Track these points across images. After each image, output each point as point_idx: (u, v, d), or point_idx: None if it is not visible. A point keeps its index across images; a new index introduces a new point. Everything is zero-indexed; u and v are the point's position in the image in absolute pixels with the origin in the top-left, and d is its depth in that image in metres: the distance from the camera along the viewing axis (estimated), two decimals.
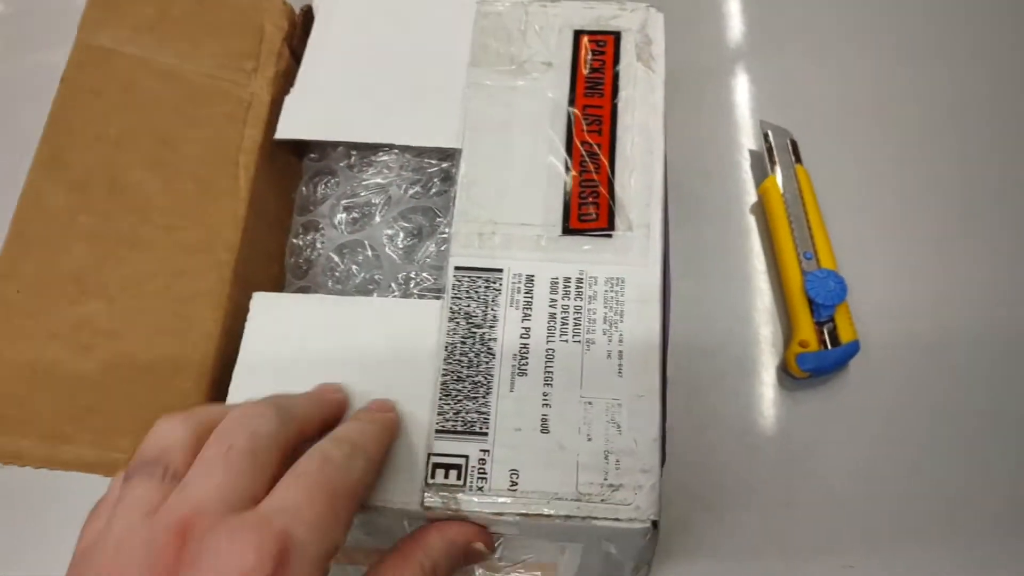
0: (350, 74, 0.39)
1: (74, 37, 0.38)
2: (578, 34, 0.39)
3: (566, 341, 0.33)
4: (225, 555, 0.22)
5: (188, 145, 0.37)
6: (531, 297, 0.34)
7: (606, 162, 0.36)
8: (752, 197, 0.53)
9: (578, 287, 0.34)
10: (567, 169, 0.36)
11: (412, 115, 0.38)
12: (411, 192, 0.39)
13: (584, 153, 0.36)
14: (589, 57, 0.39)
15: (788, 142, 0.52)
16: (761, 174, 0.53)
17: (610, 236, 0.34)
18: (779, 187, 0.50)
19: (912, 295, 0.50)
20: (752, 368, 0.48)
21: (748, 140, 0.56)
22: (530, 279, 0.34)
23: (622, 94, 0.38)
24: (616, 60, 0.38)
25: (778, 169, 0.51)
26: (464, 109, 0.37)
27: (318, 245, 0.39)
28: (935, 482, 0.45)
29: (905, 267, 0.51)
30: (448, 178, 0.39)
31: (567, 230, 0.35)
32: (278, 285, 0.38)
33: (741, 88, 0.58)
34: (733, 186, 0.54)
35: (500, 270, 0.34)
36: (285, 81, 0.40)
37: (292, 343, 0.33)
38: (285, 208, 0.40)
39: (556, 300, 0.33)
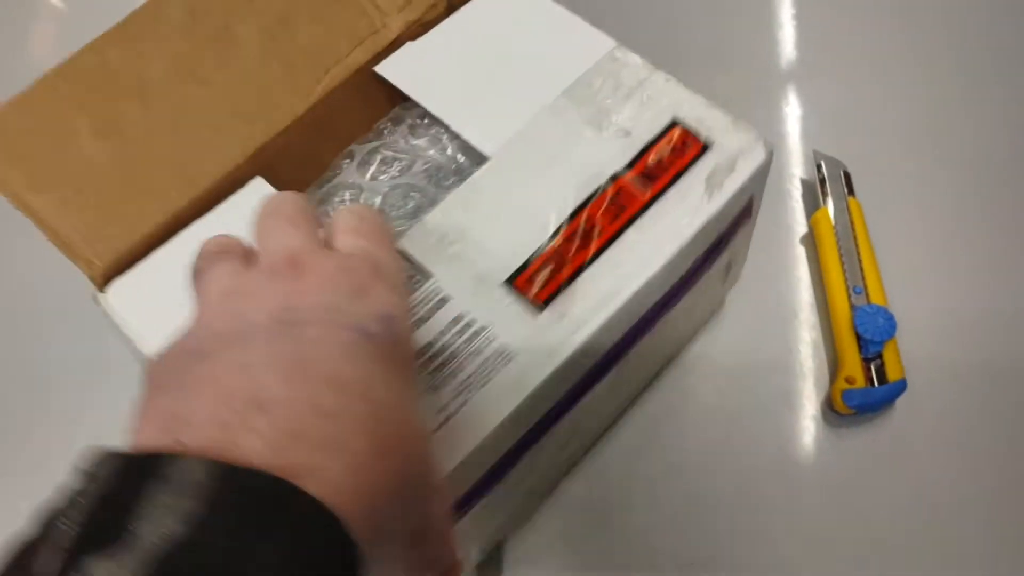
0: (467, 54, 0.40)
1: None
2: (673, 123, 0.37)
3: (422, 372, 0.32)
4: (333, 270, 0.25)
5: (300, 33, 0.41)
6: (429, 317, 0.33)
7: (593, 250, 0.34)
8: (802, 227, 0.53)
9: (472, 336, 0.32)
10: (556, 232, 0.34)
11: (484, 111, 0.38)
12: (430, 173, 0.40)
13: (582, 228, 0.34)
14: (666, 150, 0.36)
15: (841, 173, 0.52)
16: (812, 204, 0.53)
17: (539, 311, 0.33)
18: (831, 219, 0.50)
19: (962, 333, 0.49)
20: (796, 401, 0.48)
21: (800, 169, 0.55)
22: (442, 301, 0.33)
23: (662, 202, 0.35)
24: (685, 169, 0.36)
25: (830, 201, 0.51)
26: (526, 125, 0.37)
27: (342, 171, 0.41)
28: (980, 524, 0.44)
29: (956, 304, 0.50)
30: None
31: (509, 281, 0.33)
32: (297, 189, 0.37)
33: (794, 115, 0.57)
34: (783, 215, 0.54)
35: (430, 276, 0.34)
36: (421, 28, 0.41)
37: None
38: (348, 133, 0.42)
39: (444, 333, 0.33)
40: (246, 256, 0.27)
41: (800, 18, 0.61)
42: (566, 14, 0.41)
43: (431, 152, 0.41)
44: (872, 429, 0.47)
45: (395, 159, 0.41)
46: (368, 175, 0.41)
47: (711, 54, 0.59)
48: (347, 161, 0.42)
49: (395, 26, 0.41)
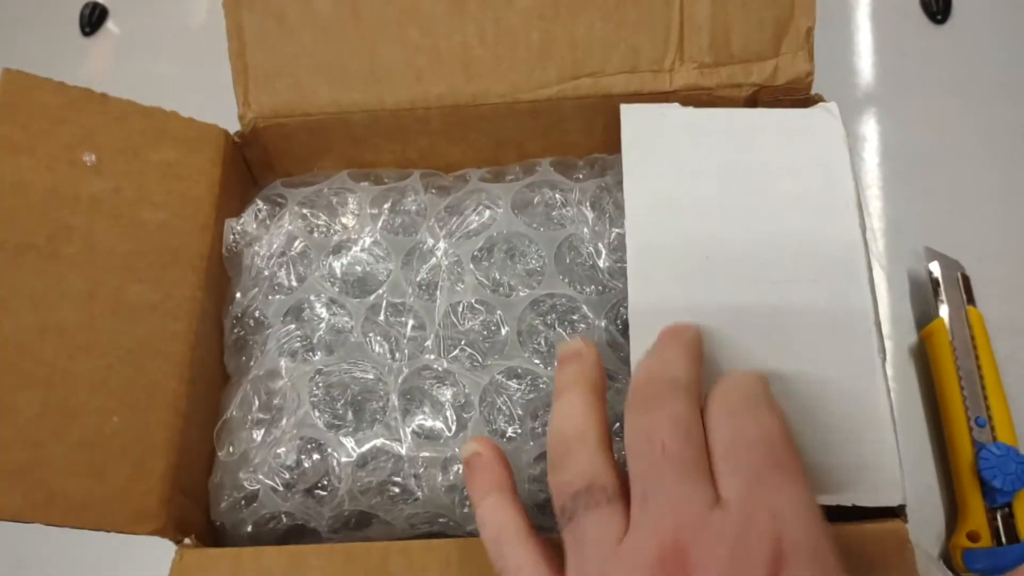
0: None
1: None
2: None
3: None
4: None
5: (582, 22, 0.39)
6: None
7: None
8: (912, 336, 0.47)
9: None
10: None
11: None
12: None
13: None
14: None
15: (959, 276, 0.45)
16: (925, 312, 0.47)
17: None
18: (947, 331, 0.44)
19: None
20: None
21: (910, 268, 0.49)
22: None
23: None
24: None
25: (945, 309, 0.44)
26: None
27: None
28: None
29: None
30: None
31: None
32: None
33: (905, 206, 0.51)
34: (891, 321, 0.48)
35: None
36: (694, 95, 0.39)
37: None
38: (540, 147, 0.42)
39: None
40: (616, 496, 0.25)
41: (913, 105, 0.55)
42: None
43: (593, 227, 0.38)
44: None
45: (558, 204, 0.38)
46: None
47: None
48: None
49: (680, 79, 0.38)
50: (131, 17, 0.61)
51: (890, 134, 0.53)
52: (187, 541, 0.33)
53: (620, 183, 0.36)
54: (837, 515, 0.32)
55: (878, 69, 0.56)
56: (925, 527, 0.42)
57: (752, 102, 0.40)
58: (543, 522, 0.34)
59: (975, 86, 0.54)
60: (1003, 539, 0.39)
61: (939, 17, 0.55)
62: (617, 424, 0.34)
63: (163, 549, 0.33)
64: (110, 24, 0.60)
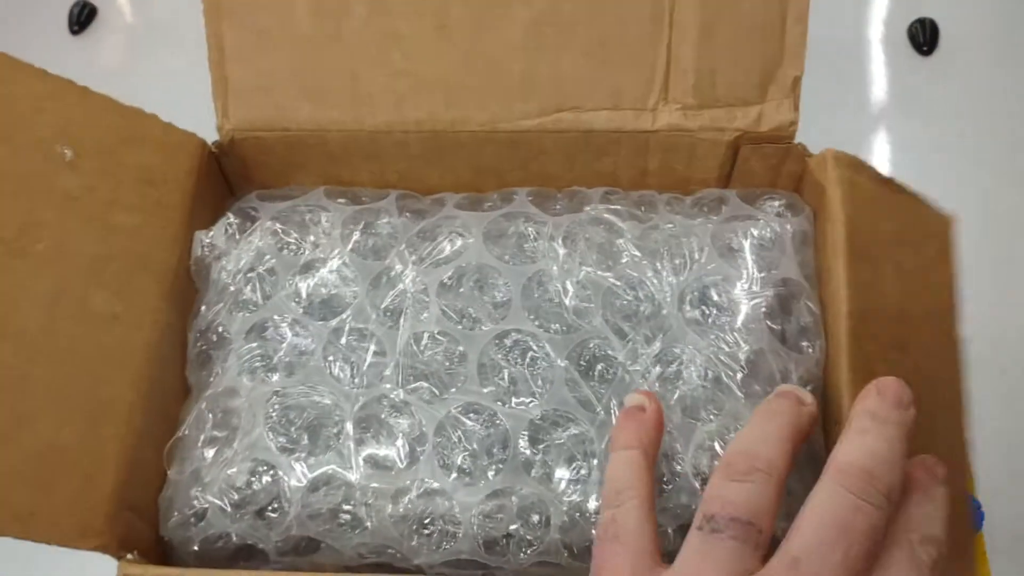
0: None
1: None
2: None
3: None
4: None
5: (568, 52, 0.39)
6: None
7: None
8: None
9: None
10: None
11: None
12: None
13: None
14: None
15: None
16: None
17: None
18: None
19: None
20: None
21: None
22: None
23: None
24: None
25: None
26: None
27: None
28: None
29: None
30: None
31: None
32: None
33: None
34: None
35: None
36: (673, 137, 0.39)
37: None
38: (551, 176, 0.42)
39: None
40: (761, 544, 0.26)
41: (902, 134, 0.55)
42: None
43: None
44: None
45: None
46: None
47: None
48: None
49: (662, 119, 0.38)
50: (119, 17, 0.60)
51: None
52: (129, 556, 0.33)
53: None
54: None
55: (864, 100, 0.56)
56: None
57: (734, 148, 0.39)
58: (490, 560, 0.34)
59: (963, 116, 0.54)
60: None
61: (925, 48, 0.55)
62: (575, 467, 0.34)
63: (108, 562, 0.33)
64: (99, 23, 0.60)
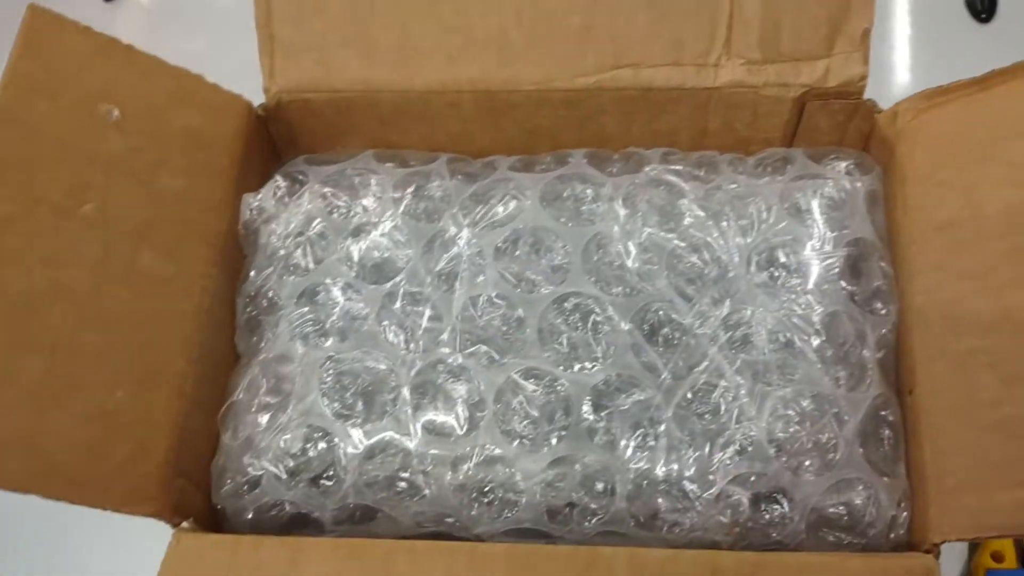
0: None
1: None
2: None
3: None
4: None
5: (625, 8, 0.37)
6: None
7: None
8: None
9: None
10: None
11: None
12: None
13: None
14: None
15: None
16: None
17: None
18: None
19: None
20: None
21: None
22: None
23: None
24: None
25: None
26: None
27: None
28: None
29: None
30: None
31: None
32: None
33: None
34: None
35: None
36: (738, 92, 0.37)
37: None
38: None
39: None
40: None
41: None
42: None
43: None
44: None
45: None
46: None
47: None
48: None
49: (725, 75, 0.37)
50: None
51: None
52: (185, 525, 0.32)
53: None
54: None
55: (921, 69, 0.54)
56: (947, 546, 0.40)
57: (800, 105, 0.38)
58: (552, 529, 0.33)
59: None
60: None
61: (984, 16, 0.53)
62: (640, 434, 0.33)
63: (163, 529, 0.32)
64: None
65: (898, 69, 0.55)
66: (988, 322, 0.29)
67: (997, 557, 0.38)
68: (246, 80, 0.39)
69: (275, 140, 0.41)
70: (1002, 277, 0.29)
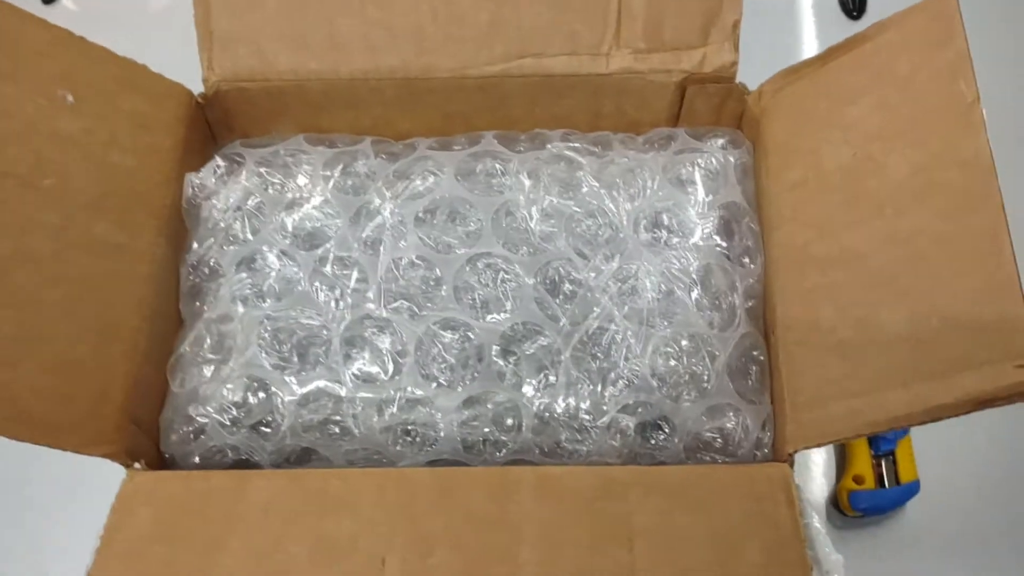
0: None
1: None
2: None
3: None
4: None
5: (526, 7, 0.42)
6: None
7: None
8: None
9: None
10: None
11: None
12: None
13: None
14: None
15: None
16: None
17: None
18: None
19: (982, 433, 0.47)
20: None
21: None
22: None
23: None
24: None
25: None
26: None
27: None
28: None
29: None
30: None
31: None
32: None
33: None
34: None
35: None
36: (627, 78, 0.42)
37: None
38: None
39: None
40: None
41: None
42: None
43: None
44: (880, 532, 0.45)
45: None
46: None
47: None
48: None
49: (616, 63, 0.41)
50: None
51: None
52: (137, 465, 0.36)
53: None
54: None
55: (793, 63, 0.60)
56: (818, 470, 0.46)
57: (681, 89, 0.43)
58: (468, 459, 0.37)
59: None
60: (886, 482, 0.43)
61: (855, 13, 0.59)
62: (543, 374, 0.38)
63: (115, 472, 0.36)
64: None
65: (777, 64, 0.61)
66: (827, 261, 0.35)
67: (858, 480, 0.44)
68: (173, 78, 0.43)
69: (211, 125, 0.45)
70: (838, 222, 0.35)
